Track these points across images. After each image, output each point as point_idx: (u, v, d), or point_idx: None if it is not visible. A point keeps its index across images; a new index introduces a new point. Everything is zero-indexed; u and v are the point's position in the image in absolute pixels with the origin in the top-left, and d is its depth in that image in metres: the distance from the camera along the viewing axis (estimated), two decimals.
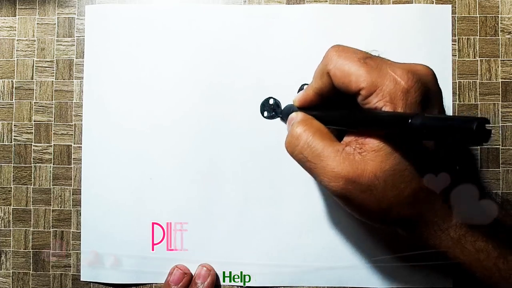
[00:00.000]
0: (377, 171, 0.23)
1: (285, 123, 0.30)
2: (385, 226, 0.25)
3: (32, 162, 0.35)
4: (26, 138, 0.35)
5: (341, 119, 0.26)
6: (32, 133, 0.35)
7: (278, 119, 0.33)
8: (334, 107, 0.27)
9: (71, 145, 0.35)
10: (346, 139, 0.25)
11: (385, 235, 0.33)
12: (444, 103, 0.31)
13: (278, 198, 0.33)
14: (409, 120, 0.20)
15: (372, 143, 0.23)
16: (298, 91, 0.33)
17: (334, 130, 0.26)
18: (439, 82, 0.25)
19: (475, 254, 0.24)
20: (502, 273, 0.24)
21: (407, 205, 0.24)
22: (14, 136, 0.35)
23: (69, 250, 0.34)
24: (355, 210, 0.25)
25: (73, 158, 0.34)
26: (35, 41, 0.35)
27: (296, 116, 0.28)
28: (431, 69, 0.25)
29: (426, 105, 0.23)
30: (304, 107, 0.28)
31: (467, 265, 0.24)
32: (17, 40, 0.35)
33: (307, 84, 0.33)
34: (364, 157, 0.23)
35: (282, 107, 0.33)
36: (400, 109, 0.22)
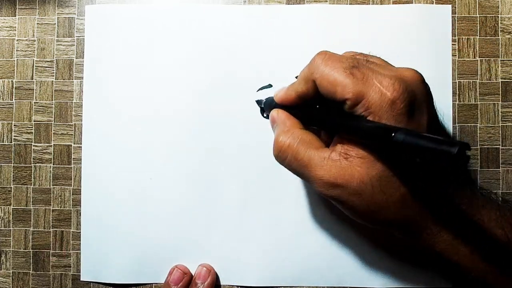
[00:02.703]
0: (364, 177, 0.23)
1: (267, 114, 0.30)
2: (379, 228, 0.26)
3: (32, 162, 0.35)
4: (26, 138, 0.35)
5: (323, 123, 0.26)
6: (32, 133, 0.35)
7: None
8: (316, 107, 0.27)
9: (71, 145, 0.35)
10: (334, 140, 0.25)
11: (385, 235, 0.33)
12: (441, 104, 0.31)
13: (278, 198, 0.33)
14: (392, 134, 0.20)
15: (357, 150, 0.23)
16: None
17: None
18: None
19: (469, 256, 0.24)
20: (497, 274, 0.24)
21: (396, 209, 0.24)
22: (14, 136, 0.35)
23: (69, 250, 0.34)
24: (347, 211, 0.25)
25: (73, 158, 0.34)
26: (35, 41, 0.35)
27: (277, 117, 0.28)
28: (420, 74, 0.25)
29: (413, 113, 0.23)
30: (285, 106, 0.28)
31: (463, 266, 0.24)
32: (17, 40, 0.35)
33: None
34: (351, 162, 0.23)
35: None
36: (385, 120, 0.22)
